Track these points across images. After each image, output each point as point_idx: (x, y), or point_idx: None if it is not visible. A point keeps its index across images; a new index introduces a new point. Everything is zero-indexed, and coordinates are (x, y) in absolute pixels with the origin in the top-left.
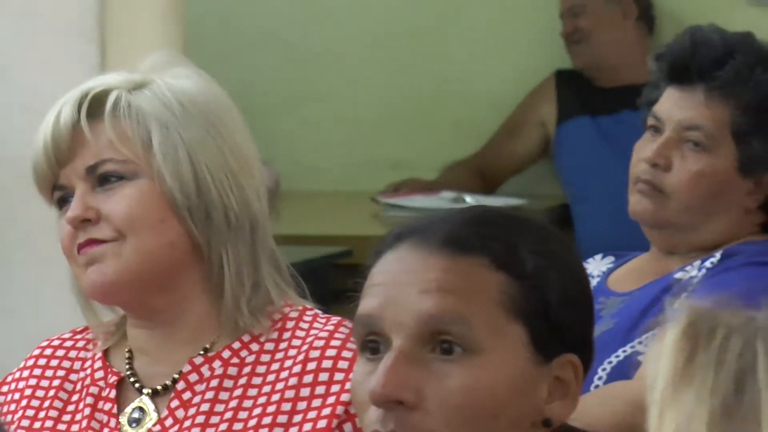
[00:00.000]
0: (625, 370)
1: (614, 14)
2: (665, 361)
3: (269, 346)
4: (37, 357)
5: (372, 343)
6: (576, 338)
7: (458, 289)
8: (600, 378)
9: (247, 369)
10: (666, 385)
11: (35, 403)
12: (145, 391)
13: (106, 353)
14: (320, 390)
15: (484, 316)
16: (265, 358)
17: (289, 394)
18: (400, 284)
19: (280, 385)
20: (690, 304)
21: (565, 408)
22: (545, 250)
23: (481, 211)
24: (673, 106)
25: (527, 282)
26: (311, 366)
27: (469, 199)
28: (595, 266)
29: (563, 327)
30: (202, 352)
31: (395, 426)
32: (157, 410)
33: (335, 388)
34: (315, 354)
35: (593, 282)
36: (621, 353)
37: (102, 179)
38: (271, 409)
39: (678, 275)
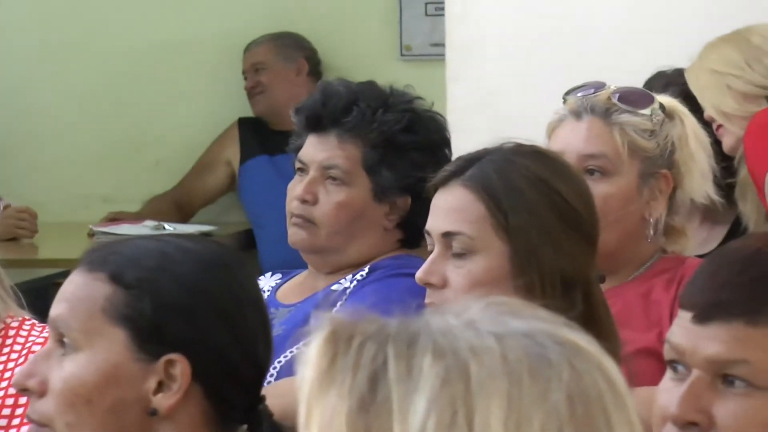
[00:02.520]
0: (292, 370)
1: (289, 71)
2: (310, 364)
3: None
4: None
5: None
6: (186, 341)
7: (73, 298)
8: (272, 375)
9: None
10: (312, 386)
11: None
12: None
13: None
14: None
15: (84, 321)
16: None
17: (12, 391)
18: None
19: (3, 384)
20: (331, 315)
21: (169, 399)
22: (154, 267)
23: (123, 239)
24: (313, 150)
25: (131, 292)
26: None
27: (168, 227)
28: (266, 282)
29: (166, 331)
30: None
31: (29, 413)
32: None
33: None
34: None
35: (265, 296)
36: (289, 353)
37: None
38: None
39: (334, 287)
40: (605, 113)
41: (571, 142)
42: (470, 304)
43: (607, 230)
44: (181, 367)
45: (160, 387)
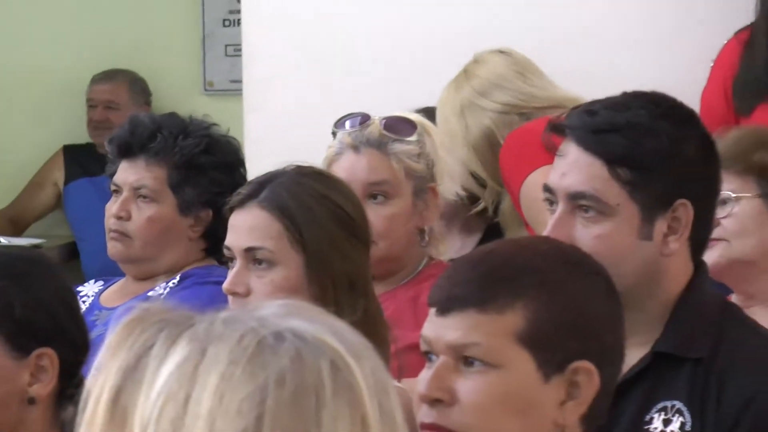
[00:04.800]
0: None
1: (141, 107)
2: (107, 341)
3: None
4: None
5: None
6: (49, 334)
7: None
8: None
9: None
10: (102, 356)
11: None
12: None
13: None
14: None
15: None
16: None
17: None
18: None
19: None
20: (140, 305)
21: (46, 388)
22: (11, 275)
23: None
24: (125, 173)
25: None
26: None
27: (3, 240)
28: (90, 288)
29: (34, 328)
30: None
31: None
32: None
33: None
34: None
35: (89, 300)
36: None
37: None
38: None
39: (151, 293)
40: (380, 145)
41: (356, 172)
42: (266, 304)
43: (394, 245)
44: (49, 358)
45: (31, 378)
